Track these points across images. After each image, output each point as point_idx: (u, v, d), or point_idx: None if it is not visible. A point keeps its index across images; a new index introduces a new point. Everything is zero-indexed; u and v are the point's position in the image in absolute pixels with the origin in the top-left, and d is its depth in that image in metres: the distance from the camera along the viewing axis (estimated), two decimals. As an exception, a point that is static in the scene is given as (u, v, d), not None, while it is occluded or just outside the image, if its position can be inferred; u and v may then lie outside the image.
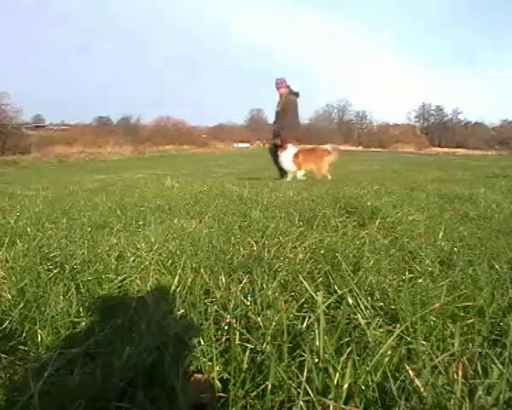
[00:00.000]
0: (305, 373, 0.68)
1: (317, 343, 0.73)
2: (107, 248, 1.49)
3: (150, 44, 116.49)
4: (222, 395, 0.73)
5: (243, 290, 1.08)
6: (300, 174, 6.20)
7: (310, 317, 0.91)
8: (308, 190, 3.42)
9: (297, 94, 6.64)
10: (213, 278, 1.17)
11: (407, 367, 0.70)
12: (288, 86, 6.58)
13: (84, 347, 0.85)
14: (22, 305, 1.02)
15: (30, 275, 1.18)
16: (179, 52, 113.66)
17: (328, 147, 6.59)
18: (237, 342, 0.81)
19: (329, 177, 6.06)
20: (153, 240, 1.58)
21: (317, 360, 0.71)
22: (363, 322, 0.84)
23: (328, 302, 0.93)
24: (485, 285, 1.07)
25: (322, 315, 0.77)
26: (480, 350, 0.78)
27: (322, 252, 1.43)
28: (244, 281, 1.13)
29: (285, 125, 6.47)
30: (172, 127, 43.55)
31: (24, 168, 20.58)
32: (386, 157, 24.41)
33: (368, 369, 0.70)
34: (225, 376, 0.78)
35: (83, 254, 1.41)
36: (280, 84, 6.53)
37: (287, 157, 6.22)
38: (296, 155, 6.15)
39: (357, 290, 1.00)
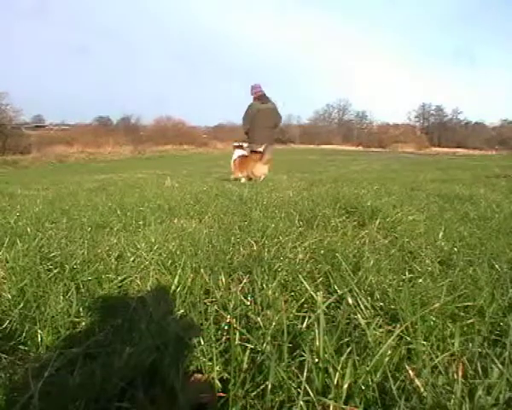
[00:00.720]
0: (305, 373, 0.68)
1: (317, 343, 0.73)
2: (107, 248, 1.49)
3: (150, 44, 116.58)
4: (222, 394, 0.73)
5: (243, 290, 1.08)
6: (243, 178, 6.31)
7: (310, 317, 0.91)
8: (308, 190, 3.42)
9: (262, 98, 6.66)
10: (213, 278, 1.16)
11: (407, 367, 0.70)
12: (257, 92, 6.65)
13: (84, 347, 0.85)
14: (22, 305, 1.02)
15: (30, 275, 1.18)
16: (179, 52, 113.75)
17: (260, 149, 6.57)
18: (237, 342, 0.81)
19: (260, 180, 5.96)
20: (153, 240, 1.58)
21: (317, 360, 0.71)
22: (363, 322, 0.84)
23: (328, 302, 0.93)
24: (485, 285, 1.07)
25: (322, 315, 0.77)
26: (479, 350, 0.78)
27: (322, 252, 1.43)
28: (244, 281, 1.13)
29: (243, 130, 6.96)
30: (172, 127, 43.52)
31: (24, 168, 20.59)
32: (386, 157, 24.39)
33: (368, 369, 0.70)
34: (225, 376, 0.78)
35: (83, 254, 1.41)
36: (252, 89, 6.70)
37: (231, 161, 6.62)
38: (234, 160, 6.48)
39: (357, 290, 1.00)
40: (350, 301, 0.93)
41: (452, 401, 0.62)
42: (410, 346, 0.81)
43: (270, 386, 0.68)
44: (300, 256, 1.35)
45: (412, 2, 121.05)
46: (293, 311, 0.96)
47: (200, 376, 0.78)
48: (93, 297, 1.11)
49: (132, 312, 0.97)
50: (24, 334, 0.93)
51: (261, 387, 0.71)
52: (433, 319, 0.90)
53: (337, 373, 0.68)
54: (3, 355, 0.85)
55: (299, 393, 0.66)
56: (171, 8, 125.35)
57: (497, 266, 1.27)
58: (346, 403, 0.65)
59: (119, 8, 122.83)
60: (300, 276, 1.13)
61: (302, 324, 0.90)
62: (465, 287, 1.07)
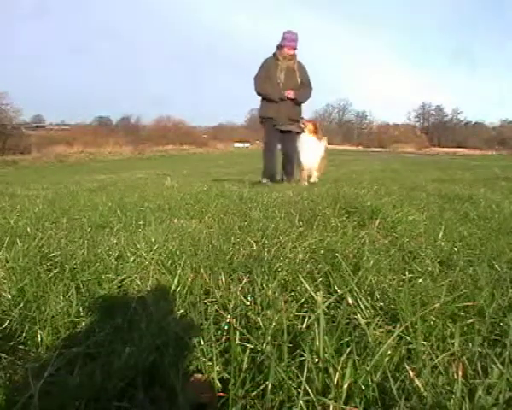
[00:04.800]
0: (305, 373, 0.68)
1: (317, 343, 0.73)
2: (107, 248, 1.49)
3: (150, 44, 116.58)
4: (222, 394, 0.73)
5: (243, 290, 1.08)
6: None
7: (310, 317, 0.91)
8: (308, 190, 3.42)
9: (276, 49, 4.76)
10: (213, 278, 1.16)
11: (407, 367, 0.70)
12: (291, 45, 4.69)
13: (84, 347, 0.84)
14: (22, 305, 1.02)
15: (30, 275, 1.18)
16: (179, 52, 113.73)
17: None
18: (237, 342, 0.81)
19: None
20: (153, 240, 1.58)
21: (317, 360, 0.71)
22: (363, 322, 0.84)
23: (328, 302, 0.93)
24: (485, 285, 1.07)
25: (322, 315, 0.77)
26: (480, 350, 0.78)
27: (322, 252, 1.42)
28: (244, 281, 1.13)
29: None
30: (172, 127, 43.59)
31: (24, 168, 20.62)
32: (386, 157, 24.40)
33: (368, 369, 0.70)
34: (225, 376, 0.78)
35: (83, 254, 1.40)
36: (285, 38, 4.71)
37: None
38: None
39: (357, 290, 1.00)
40: (350, 301, 0.93)
41: (452, 401, 0.62)
42: (410, 346, 0.81)
43: (270, 386, 0.68)
44: (300, 256, 1.35)
45: (412, 2, 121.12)
46: (293, 311, 0.96)
47: (200, 376, 0.78)
48: (93, 297, 1.10)
49: (132, 312, 0.97)
50: (24, 334, 0.93)
51: (261, 387, 0.71)
52: (433, 319, 0.90)
53: (337, 373, 0.68)
54: (3, 355, 0.85)
55: (299, 393, 0.66)
56: (172, 8, 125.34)
57: (497, 266, 1.27)
58: (346, 403, 0.65)
59: (119, 7, 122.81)
60: (300, 276, 1.13)
61: (302, 324, 0.90)
62: (465, 287, 1.07)
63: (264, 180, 4.73)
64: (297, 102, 4.70)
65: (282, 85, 4.63)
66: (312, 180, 4.84)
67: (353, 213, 2.26)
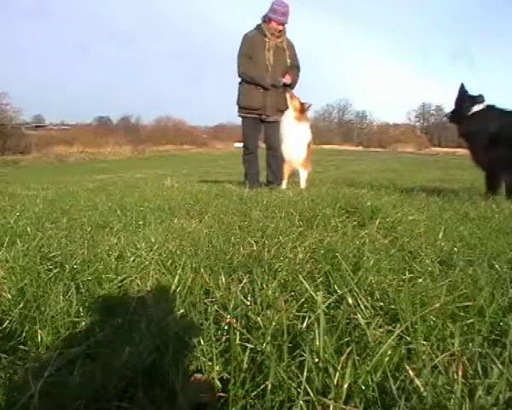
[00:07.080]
0: (305, 373, 0.68)
1: (317, 343, 0.73)
2: (107, 248, 1.49)
3: (150, 44, 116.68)
4: (222, 394, 0.73)
5: (243, 290, 1.08)
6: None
7: (310, 317, 0.90)
8: (308, 190, 3.42)
9: (261, 22, 3.88)
10: (213, 278, 1.16)
11: (407, 367, 0.70)
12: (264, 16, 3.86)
13: (84, 347, 0.85)
14: (22, 305, 1.02)
15: (30, 275, 1.18)
16: (179, 52, 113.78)
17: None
18: (237, 342, 0.81)
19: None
20: (153, 240, 1.58)
21: (317, 360, 0.71)
22: (363, 322, 0.84)
23: (328, 302, 0.93)
24: (485, 285, 1.07)
25: (322, 315, 0.77)
26: (480, 350, 0.78)
27: (322, 252, 1.42)
28: (244, 281, 1.13)
29: None
30: (172, 127, 43.66)
31: (24, 168, 20.64)
32: (387, 157, 24.42)
33: (368, 369, 0.70)
34: (225, 376, 0.78)
35: (83, 254, 1.41)
36: (274, 9, 3.81)
37: None
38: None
39: (357, 290, 1.00)
40: (350, 301, 0.93)
41: (452, 401, 0.62)
42: (410, 346, 0.81)
43: (270, 386, 0.68)
44: (300, 256, 1.35)
45: (412, 1, 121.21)
46: (293, 311, 0.96)
47: (200, 376, 0.78)
48: (93, 297, 1.10)
49: (132, 312, 0.97)
50: (24, 334, 0.93)
51: (261, 387, 0.71)
52: (433, 319, 0.90)
53: (337, 373, 0.68)
54: (3, 355, 0.85)
55: (299, 393, 0.66)
56: (172, 8, 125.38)
57: (497, 266, 1.27)
58: (346, 403, 0.65)
59: (120, 7, 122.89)
60: (300, 276, 1.13)
61: (302, 324, 0.90)
62: (465, 287, 1.06)
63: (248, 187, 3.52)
64: (291, 88, 3.89)
65: (270, 68, 3.79)
66: (302, 183, 3.84)
67: (353, 213, 2.26)
